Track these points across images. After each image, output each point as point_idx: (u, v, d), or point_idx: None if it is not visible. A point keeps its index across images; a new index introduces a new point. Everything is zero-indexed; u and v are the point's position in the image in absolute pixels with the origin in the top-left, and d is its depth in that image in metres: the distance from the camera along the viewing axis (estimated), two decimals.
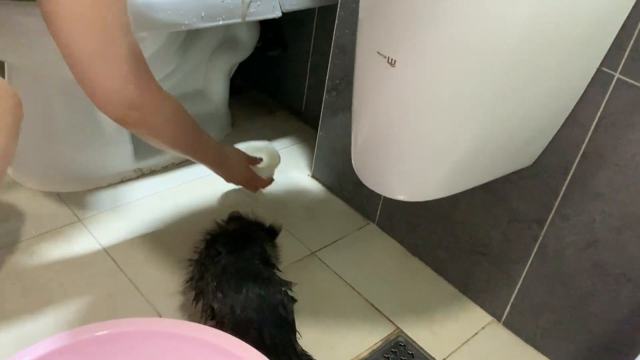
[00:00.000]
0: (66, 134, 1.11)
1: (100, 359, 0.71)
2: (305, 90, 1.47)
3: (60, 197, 1.13)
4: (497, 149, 0.80)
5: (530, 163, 0.89)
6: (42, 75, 1.04)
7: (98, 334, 0.71)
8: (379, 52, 0.68)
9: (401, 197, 0.84)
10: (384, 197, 1.16)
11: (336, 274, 1.07)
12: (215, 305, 0.84)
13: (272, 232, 1.04)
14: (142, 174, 1.22)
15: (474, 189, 0.95)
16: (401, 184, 0.80)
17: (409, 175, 0.78)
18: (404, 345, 0.95)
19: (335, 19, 1.11)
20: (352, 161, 0.83)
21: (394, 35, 0.66)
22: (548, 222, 0.91)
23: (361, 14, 0.72)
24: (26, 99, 1.06)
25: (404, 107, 0.70)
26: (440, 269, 1.09)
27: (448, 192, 0.84)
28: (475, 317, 1.03)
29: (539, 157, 0.88)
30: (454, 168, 0.77)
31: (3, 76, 1.09)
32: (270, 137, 1.42)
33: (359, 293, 1.04)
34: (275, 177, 1.27)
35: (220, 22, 1.02)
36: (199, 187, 1.23)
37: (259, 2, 1.06)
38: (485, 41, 0.64)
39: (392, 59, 0.67)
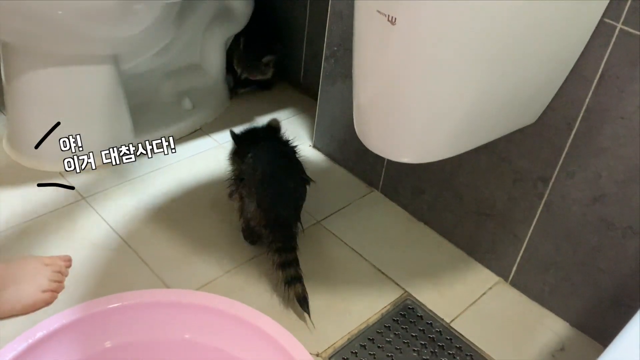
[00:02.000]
0: (64, 111, 1.10)
1: (113, 330, 0.72)
2: (303, 60, 1.45)
3: (63, 176, 1.13)
4: (500, 106, 0.79)
5: (533, 121, 0.89)
6: (37, 53, 1.03)
7: (110, 306, 0.71)
8: (378, 11, 0.67)
9: (406, 160, 0.84)
10: (387, 163, 1.15)
11: (342, 241, 1.07)
12: (244, 166, 0.99)
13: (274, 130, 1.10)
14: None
15: (477, 150, 0.95)
16: (405, 146, 0.79)
17: (413, 136, 0.77)
18: (413, 308, 0.96)
19: None
20: (355, 126, 0.82)
21: None
22: (553, 179, 0.90)
23: None
24: (23, 78, 1.06)
25: (406, 66, 0.69)
26: (446, 232, 1.10)
27: (452, 152, 0.84)
28: (482, 278, 1.04)
29: (542, 114, 0.88)
30: (458, 127, 0.76)
31: None
32: (269, 109, 1.41)
33: (365, 259, 1.04)
34: None
35: None
36: (200, 161, 1.22)
37: None
38: None
39: (392, 17, 0.66)
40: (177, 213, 1.09)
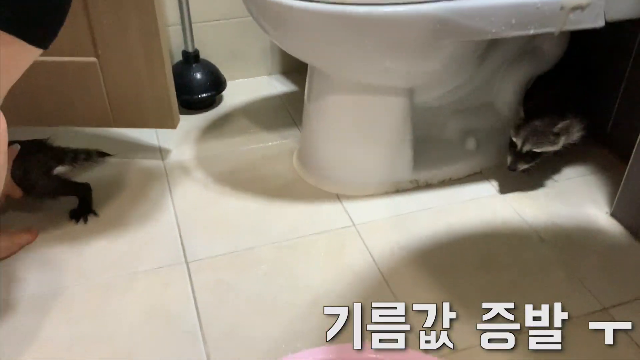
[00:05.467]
0: (350, 137, 1.12)
1: None
2: (614, 111, 1.25)
3: (339, 199, 1.15)
4: None
5: None
6: (339, 80, 1.06)
7: (365, 356, 0.67)
8: None
9: None
10: None
11: (634, 342, 0.87)
12: None
13: None
14: (417, 186, 1.18)
15: None
16: None
17: None
18: None
19: None
20: None
21: None
22: None
23: None
24: (322, 101, 1.11)
25: None
26: None
27: None
28: None
29: None
30: None
31: (304, 77, 1.15)
32: (562, 161, 1.24)
33: None
34: (565, 208, 1.10)
35: (531, 31, 0.91)
36: (474, 208, 1.13)
37: (582, 10, 0.91)
38: None
39: None
40: (441, 260, 1.02)
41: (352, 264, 1.01)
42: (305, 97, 1.17)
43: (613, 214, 1.10)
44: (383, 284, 0.97)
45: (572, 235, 1.07)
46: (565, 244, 1.05)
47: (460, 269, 1.00)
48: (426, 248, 1.04)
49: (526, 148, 1.09)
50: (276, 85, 1.54)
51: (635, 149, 1.03)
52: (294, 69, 1.56)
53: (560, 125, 1.09)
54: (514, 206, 1.13)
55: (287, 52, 1.08)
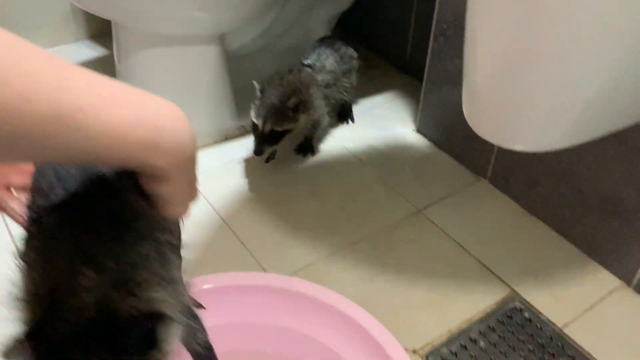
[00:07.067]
0: (169, 92, 1.11)
1: (209, 311, 0.71)
2: (410, 39, 1.39)
3: None
4: (638, 89, 0.69)
5: None
6: (145, 34, 1.05)
7: (204, 287, 0.71)
8: None
9: (520, 148, 0.76)
10: (498, 151, 1.07)
11: (445, 232, 1.01)
12: None
13: None
14: (245, 131, 1.22)
15: (603, 140, 0.85)
16: (521, 131, 0.72)
17: (531, 121, 0.70)
18: (521, 310, 0.88)
19: None
20: (464, 108, 0.76)
21: None
22: None
23: None
24: (133, 59, 1.09)
25: (531, 40, 0.62)
26: (562, 229, 1.00)
27: (575, 140, 0.75)
28: (601, 280, 0.93)
29: None
30: (585, 112, 0.67)
31: (110, 35, 1.12)
32: (370, 91, 1.36)
33: (469, 253, 0.97)
34: (378, 132, 1.22)
35: None
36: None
37: None
38: None
39: None
40: (275, 197, 1.08)
41: (192, 215, 1.03)
42: (116, 58, 1.14)
43: (418, 130, 1.24)
44: (224, 227, 1.01)
45: (386, 154, 1.19)
46: (382, 163, 1.16)
47: (293, 200, 1.07)
48: (259, 187, 1.10)
49: (267, 128, 1.04)
50: (85, 51, 1.47)
51: (426, 71, 1.16)
52: (102, 32, 1.50)
53: (293, 99, 1.04)
54: (335, 137, 1.22)
55: (85, 9, 1.04)
